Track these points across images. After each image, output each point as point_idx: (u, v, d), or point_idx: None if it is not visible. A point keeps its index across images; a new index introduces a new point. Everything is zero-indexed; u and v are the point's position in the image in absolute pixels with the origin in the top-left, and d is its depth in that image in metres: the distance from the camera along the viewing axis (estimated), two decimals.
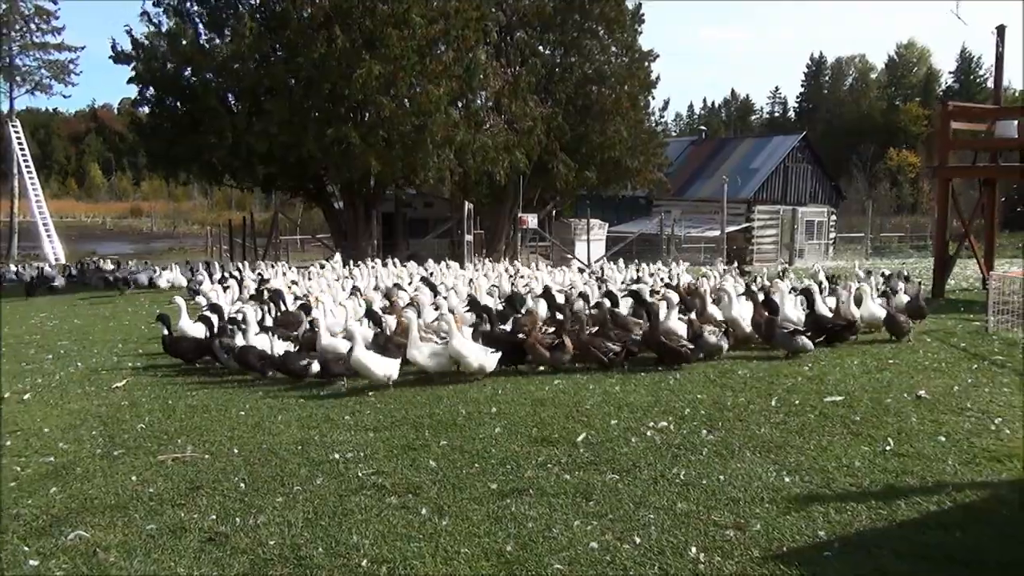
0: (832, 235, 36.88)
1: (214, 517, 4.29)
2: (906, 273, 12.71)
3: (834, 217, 37.29)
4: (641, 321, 8.23)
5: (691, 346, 7.69)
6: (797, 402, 6.28)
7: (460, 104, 23.57)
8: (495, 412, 6.17)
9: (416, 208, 29.63)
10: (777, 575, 3.51)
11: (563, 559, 3.66)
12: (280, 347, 7.91)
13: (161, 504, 4.51)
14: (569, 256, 27.01)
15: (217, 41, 23.04)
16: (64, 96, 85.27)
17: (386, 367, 7.03)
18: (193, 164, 23.92)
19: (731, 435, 5.50)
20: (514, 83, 24.65)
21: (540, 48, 28.03)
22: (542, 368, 7.77)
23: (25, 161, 42.76)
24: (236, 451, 5.44)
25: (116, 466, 5.21)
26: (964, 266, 18.62)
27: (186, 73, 23.34)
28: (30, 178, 42.52)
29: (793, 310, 8.95)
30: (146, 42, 23.34)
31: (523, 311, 8.98)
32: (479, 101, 24.96)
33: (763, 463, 4.93)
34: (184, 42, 22.64)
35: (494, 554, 3.73)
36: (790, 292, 9.49)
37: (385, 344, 7.64)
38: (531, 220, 26.24)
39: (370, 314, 8.36)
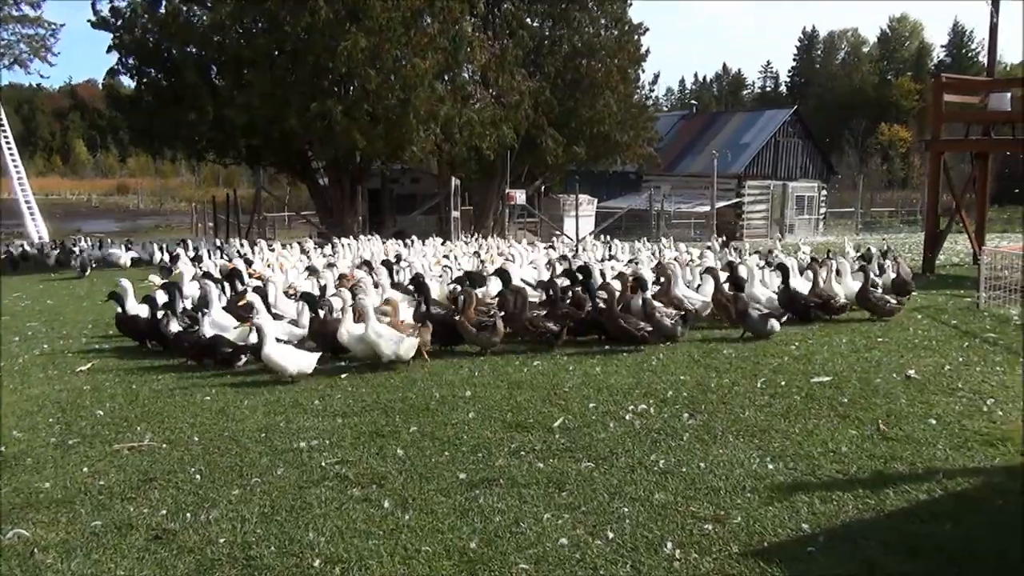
0: (823, 210, 36.68)
1: (164, 512, 4.04)
2: (885, 248, 12.44)
3: (824, 192, 37.06)
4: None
5: (649, 328, 7.43)
6: (783, 383, 6.07)
7: (446, 78, 23.09)
8: (469, 396, 5.92)
9: (403, 184, 29.21)
10: (757, 573, 3.29)
11: (529, 557, 3.43)
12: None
13: (111, 498, 4.26)
14: (557, 232, 26.70)
15: (197, 11, 22.50)
16: (42, 75, 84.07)
17: (299, 363, 6.58)
18: (175, 139, 23.47)
19: (714, 419, 5.28)
20: (501, 56, 24.18)
21: (528, 20, 27.51)
22: (525, 349, 7.53)
23: (6, 138, 41.98)
24: (196, 439, 5.19)
25: (69, 456, 4.95)
26: (955, 241, 18.46)
27: (167, 45, 22.83)
28: (11, 155, 41.75)
29: (761, 288, 8.69)
30: (126, 10, 22.81)
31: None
32: (465, 75, 24.50)
33: (746, 449, 4.72)
34: (163, 11, 22.11)
35: (456, 552, 3.50)
36: (764, 268, 9.32)
37: (321, 329, 7.28)
38: (519, 196, 25.91)
39: (305, 296, 7.87)
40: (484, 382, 6.34)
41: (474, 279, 9.16)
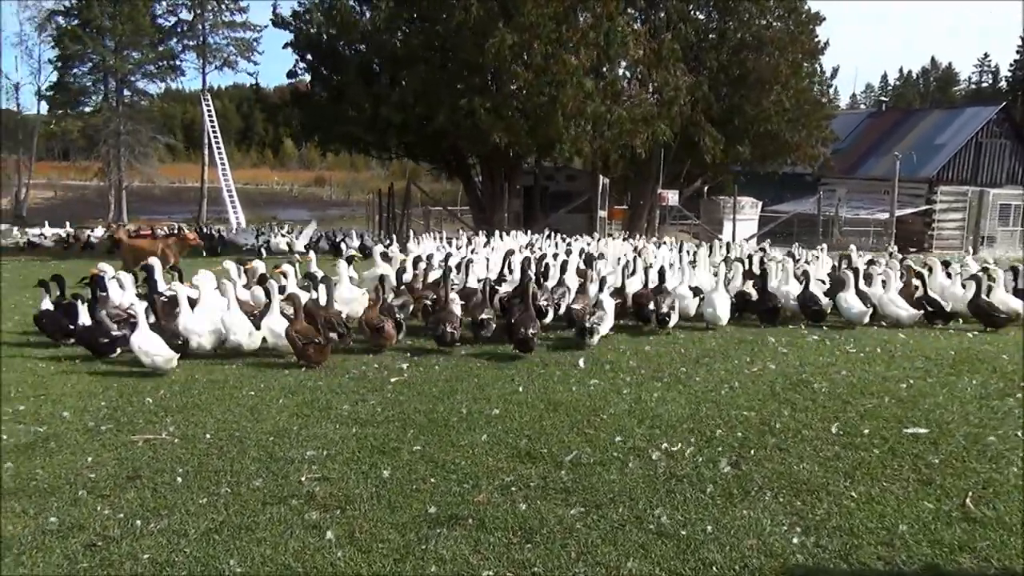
0: None
1: (122, 516, 3.93)
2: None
3: None
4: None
5: (532, 331, 7.12)
6: (866, 431, 5.05)
7: (599, 74, 22.49)
8: (496, 414, 5.44)
9: (559, 182, 28.94)
10: None
11: None
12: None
13: (89, 493, 4.23)
14: (715, 236, 25.29)
15: (364, 11, 23.46)
16: (249, 73, 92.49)
17: (157, 355, 6.66)
18: (337, 135, 24.63)
19: (758, 469, 4.46)
20: (658, 51, 23.18)
21: (692, 13, 26.21)
22: (580, 361, 6.92)
23: (214, 133, 46.34)
24: (208, 436, 5.11)
25: (87, 444, 5.03)
26: None
27: (336, 43, 23.99)
28: (218, 149, 46.01)
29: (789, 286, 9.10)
30: (304, 11, 24.24)
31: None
32: (619, 71, 23.75)
33: (778, 513, 3.90)
34: (335, 11, 23.22)
35: None
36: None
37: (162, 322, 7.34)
38: (671, 196, 24.80)
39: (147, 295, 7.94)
40: (522, 400, 5.82)
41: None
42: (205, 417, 5.56)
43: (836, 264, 11.68)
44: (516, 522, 3.80)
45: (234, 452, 4.82)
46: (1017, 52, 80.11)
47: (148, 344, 6.77)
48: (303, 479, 4.38)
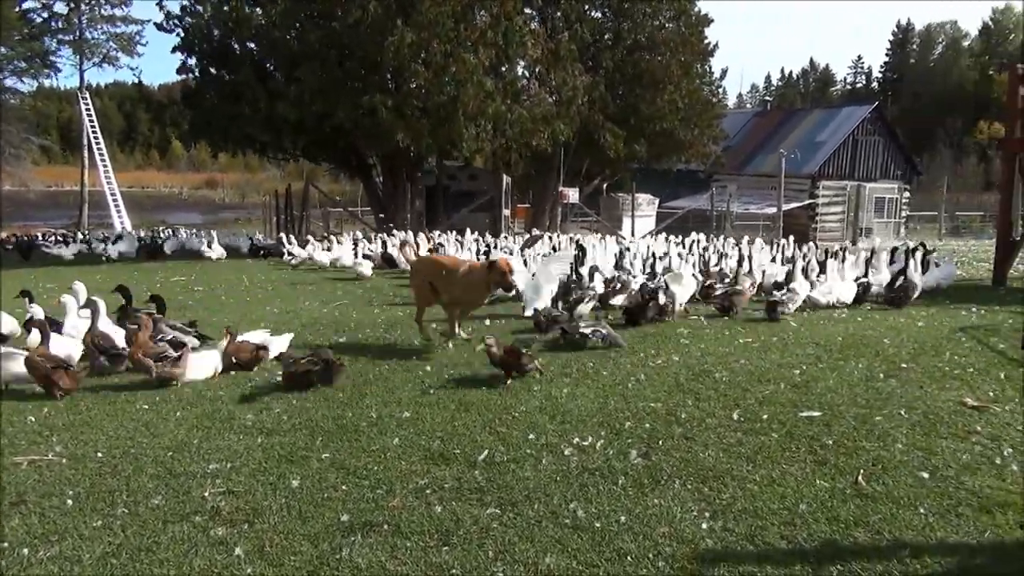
0: (904, 213, 34.47)
1: (6, 545, 3.65)
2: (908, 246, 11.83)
3: (907, 194, 34.83)
4: None
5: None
6: (765, 417, 5.28)
7: (498, 73, 22.60)
8: (407, 417, 5.37)
9: (461, 181, 28.95)
10: None
11: None
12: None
13: None
14: (616, 232, 25.87)
15: (256, 8, 22.73)
16: (131, 69, 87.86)
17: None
18: (229, 134, 23.78)
19: (666, 458, 4.58)
20: (555, 51, 23.52)
21: (588, 13, 26.72)
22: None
23: (94, 134, 43.79)
24: (100, 455, 4.82)
25: None
26: None
27: (229, 41, 23.16)
28: (99, 151, 43.52)
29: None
30: (194, 7, 23.25)
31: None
32: (518, 70, 23.95)
33: (687, 500, 4.01)
34: (226, 8, 22.39)
35: None
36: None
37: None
38: (572, 194, 25.23)
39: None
40: (434, 401, 5.77)
41: None
42: (96, 434, 5.23)
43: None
44: (432, 525, 3.76)
45: (129, 470, 4.57)
46: (887, 55, 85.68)
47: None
48: (206, 494, 4.19)
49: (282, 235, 21.49)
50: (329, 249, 16.46)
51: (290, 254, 16.45)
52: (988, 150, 59.76)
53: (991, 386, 6.07)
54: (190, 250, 20.22)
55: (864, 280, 10.53)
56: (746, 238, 16.13)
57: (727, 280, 10.39)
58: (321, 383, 6.19)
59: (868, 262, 11.41)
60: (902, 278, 10.15)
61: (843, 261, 11.39)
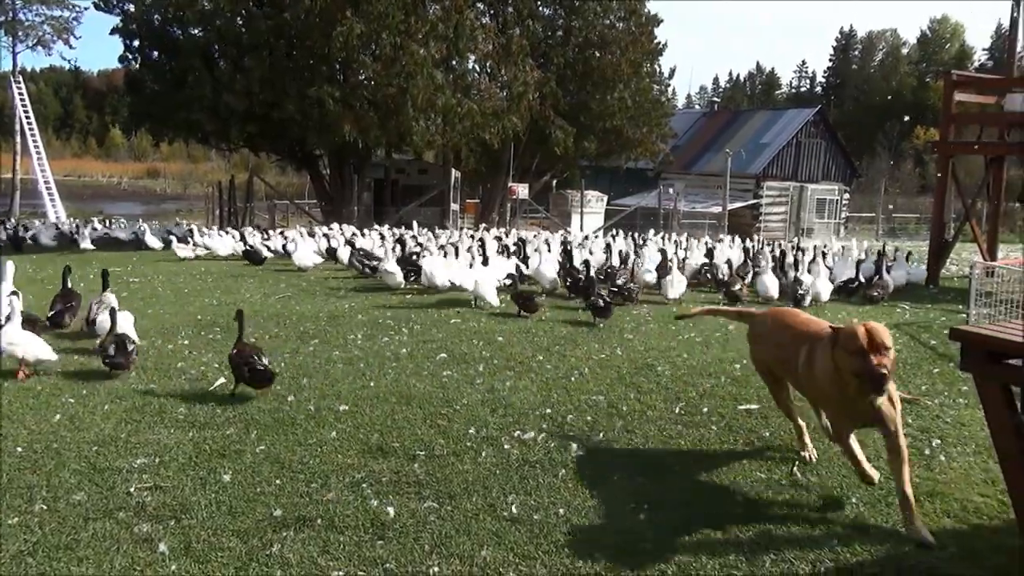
0: (844, 214, 35.40)
1: None
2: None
3: (847, 195, 35.78)
4: None
5: None
6: (705, 410, 5.32)
7: (448, 67, 22.46)
8: (346, 410, 5.27)
9: (410, 175, 28.67)
10: None
11: None
12: None
13: None
14: (564, 228, 25.97)
15: None
16: (64, 58, 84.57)
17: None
18: (173, 122, 23.16)
19: (606, 451, 4.58)
20: (507, 46, 23.48)
21: (539, 9, 26.74)
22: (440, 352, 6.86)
23: (27, 118, 42.11)
24: (20, 449, 4.60)
25: None
26: (973, 251, 17.35)
27: (171, 27, 22.53)
28: (32, 137, 41.87)
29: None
30: None
31: None
32: (469, 64, 23.85)
33: (625, 492, 4.01)
34: None
35: None
36: None
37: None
38: (521, 190, 25.22)
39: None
40: (374, 394, 5.67)
41: None
42: (16, 428, 5.00)
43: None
44: (367, 519, 3.68)
45: (51, 465, 4.37)
46: (830, 60, 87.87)
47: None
48: (132, 489, 4.03)
49: (188, 224, 20.42)
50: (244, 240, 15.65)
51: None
52: (924, 155, 61.63)
53: (922, 380, 6.24)
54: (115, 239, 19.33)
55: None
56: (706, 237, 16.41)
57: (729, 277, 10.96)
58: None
59: (859, 264, 11.66)
60: (877, 276, 10.75)
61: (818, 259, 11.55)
